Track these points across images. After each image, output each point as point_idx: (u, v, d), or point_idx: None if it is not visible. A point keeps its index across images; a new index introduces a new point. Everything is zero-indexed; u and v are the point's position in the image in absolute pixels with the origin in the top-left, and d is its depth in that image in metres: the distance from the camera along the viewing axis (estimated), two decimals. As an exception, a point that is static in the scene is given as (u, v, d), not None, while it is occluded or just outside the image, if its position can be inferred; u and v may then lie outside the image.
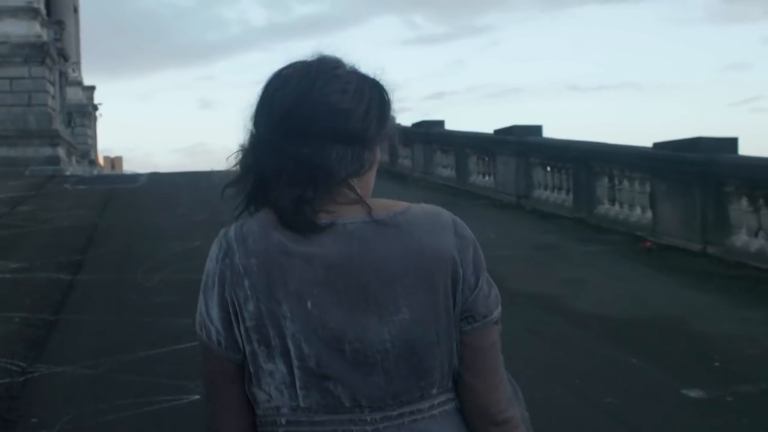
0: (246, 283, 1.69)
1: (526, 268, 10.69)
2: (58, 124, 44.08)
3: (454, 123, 30.02)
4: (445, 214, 1.82)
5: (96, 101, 73.15)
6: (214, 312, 1.74)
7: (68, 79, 55.90)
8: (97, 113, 73.66)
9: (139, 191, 21.07)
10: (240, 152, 1.78)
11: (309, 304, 1.67)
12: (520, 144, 16.89)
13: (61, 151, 42.85)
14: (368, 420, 1.70)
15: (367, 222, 1.72)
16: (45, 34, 44.32)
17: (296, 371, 1.69)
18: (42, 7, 44.08)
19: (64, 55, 51.02)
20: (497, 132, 18.21)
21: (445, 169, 21.70)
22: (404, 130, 25.24)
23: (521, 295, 9.30)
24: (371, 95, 1.77)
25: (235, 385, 1.77)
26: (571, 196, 15.21)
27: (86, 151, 61.84)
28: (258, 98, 1.78)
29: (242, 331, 1.72)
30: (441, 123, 23.32)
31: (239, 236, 1.74)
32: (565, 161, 15.38)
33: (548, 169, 16.10)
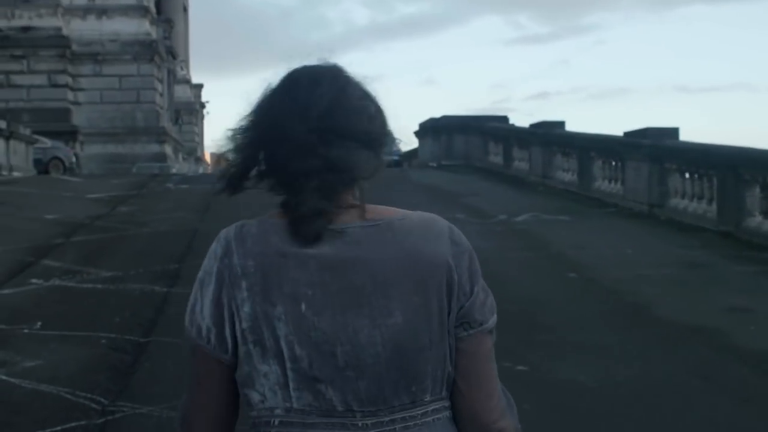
0: (243, 284, 1.70)
1: (675, 292, 9.28)
2: (166, 122, 44.13)
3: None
4: (441, 222, 1.84)
5: (203, 99, 73.75)
6: (207, 310, 1.74)
7: (176, 77, 56.21)
8: (205, 111, 74.30)
9: (244, 192, 20.15)
10: (245, 146, 1.80)
11: (303, 306, 1.67)
12: (655, 148, 15.38)
13: (167, 149, 42.85)
14: (359, 425, 1.69)
15: (364, 226, 1.74)
16: (154, 32, 44.52)
17: (290, 373, 1.68)
18: (152, 5, 44.21)
19: (172, 53, 51.20)
20: (628, 134, 16.73)
21: (565, 173, 20.28)
22: (521, 131, 23.90)
23: (678, 326, 7.94)
24: (378, 102, 1.81)
25: (218, 387, 1.76)
26: (714, 206, 13.67)
27: (193, 148, 62.26)
28: (282, 95, 1.78)
29: (238, 333, 1.72)
30: (562, 124, 21.90)
31: (239, 237, 1.77)
32: (707, 167, 13.84)
33: (686, 175, 14.57)
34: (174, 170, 40.27)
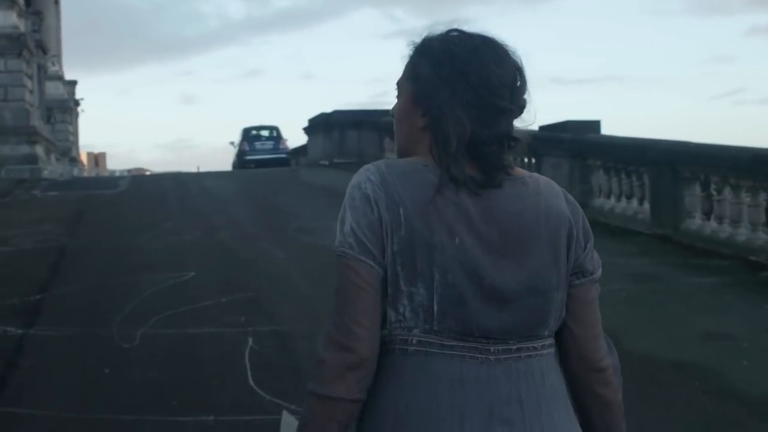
0: (401, 210, 1.83)
1: (636, 315, 7.92)
2: (36, 121, 41.27)
3: None
4: (557, 184, 2.00)
5: (77, 96, 70.46)
6: (368, 228, 1.85)
7: (48, 73, 53.06)
8: (79, 109, 70.93)
9: (120, 199, 18.22)
10: (436, 111, 1.91)
11: (457, 240, 1.82)
12: (576, 143, 14.11)
13: (39, 149, 40.07)
14: (491, 350, 1.85)
15: (507, 179, 1.90)
16: (22, 25, 41.60)
17: (437, 297, 1.83)
18: (19, -5, 41.53)
19: (43, 48, 48.17)
20: (544, 128, 15.41)
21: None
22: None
23: (658, 363, 6.56)
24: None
25: (379, 298, 1.85)
26: (647, 206, 12.45)
27: (67, 148, 59.03)
28: (462, 58, 1.91)
29: (388, 254, 1.84)
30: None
31: (392, 171, 1.88)
32: (638, 164, 12.61)
33: (613, 173, 13.33)
34: (46, 172, 37.88)
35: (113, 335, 7.59)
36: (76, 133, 67.44)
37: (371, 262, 1.85)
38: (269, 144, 35.09)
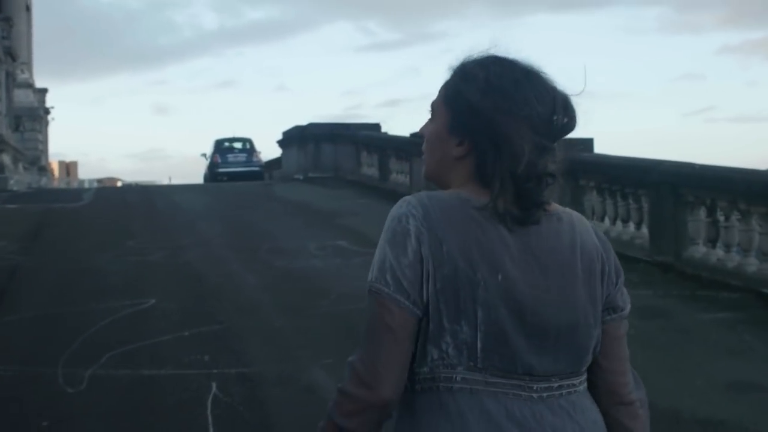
0: (444, 247, 1.81)
1: (646, 357, 7.05)
2: (3, 129, 40.22)
3: (408, 129, 26.74)
4: (586, 219, 2.01)
5: (48, 105, 69.20)
6: (408, 267, 1.81)
7: (17, 81, 51.97)
8: (50, 117, 69.66)
9: (82, 213, 17.18)
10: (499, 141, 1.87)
11: (500, 277, 1.81)
12: (568, 162, 13.25)
13: (6, 158, 38.97)
14: (534, 388, 1.83)
15: (544, 216, 1.89)
16: (-8, 33, 40.75)
17: (480, 334, 1.81)
18: (-14, 1, 40.59)
19: (12, 55, 47.10)
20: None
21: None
22: (400, 141, 21.68)
23: (677, 417, 5.72)
24: None
25: (409, 340, 1.83)
26: (645, 231, 11.63)
27: (36, 157, 57.77)
28: (507, 92, 1.88)
29: (430, 291, 1.81)
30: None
31: (434, 205, 1.85)
32: (636, 186, 11.80)
33: (607, 194, 12.51)
34: (12, 182, 36.85)
35: (57, 376, 6.65)
36: (45, 142, 66.12)
37: (407, 302, 1.82)
38: (242, 156, 34.05)
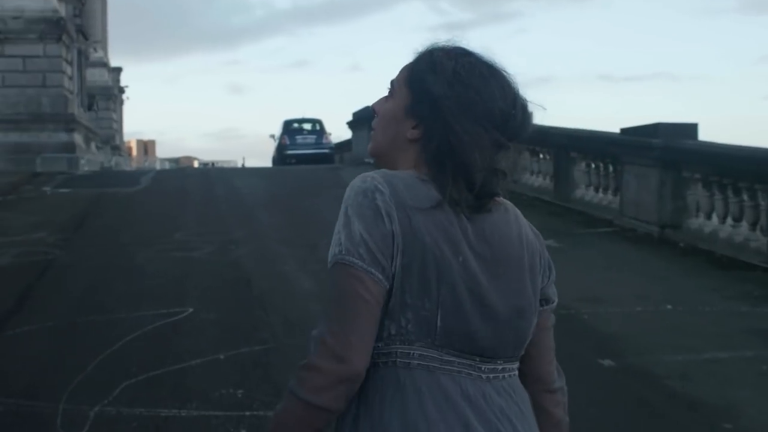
0: (412, 224, 1.80)
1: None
2: (75, 108, 39.61)
3: None
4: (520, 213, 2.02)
5: (122, 84, 69.13)
6: (381, 240, 1.79)
7: (89, 60, 51.55)
8: (124, 96, 69.65)
9: (134, 200, 16.12)
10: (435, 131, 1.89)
11: (461, 258, 1.83)
12: (669, 150, 11.72)
13: (77, 137, 38.40)
14: (483, 369, 1.87)
15: (495, 205, 1.92)
16: (62, 10, 40.07)
17: (441, 312, 1.82)
18: (60, -21, 40.17)
19: (83, 33, 46.53)
20: (627, 132, 13.05)
21: (536, 176, 16.59)
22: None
23: None
24: None
25: (380, 312, 1.81)
26: (758, 233, 10.06)
27: (110, 136, 57.62)
28: (472, 85, 1.88)
29: (397, 267, 1.81)
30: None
31: (399, 184, 1.83)
32: (753, 179, 10.20)
33: (716, 188, 10.93)
34: (83, 161, 36.52)
35: (57, 414, 5.43)
36: (120, 121, 66.00)
37: (380, 275, 1.80)
38: (311, 138, 32.79)
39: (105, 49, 63.52)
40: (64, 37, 38.42)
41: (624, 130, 13.17)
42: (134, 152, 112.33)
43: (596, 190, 14.27)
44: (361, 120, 27.04)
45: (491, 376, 1.88)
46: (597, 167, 14.32)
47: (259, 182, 19.35)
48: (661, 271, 10.02)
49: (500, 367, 1.90)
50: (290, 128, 33.26)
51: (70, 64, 40.68)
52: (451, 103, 1.87)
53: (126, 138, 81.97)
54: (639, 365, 6.50)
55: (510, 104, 1.89)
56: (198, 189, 17.69)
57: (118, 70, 68.17)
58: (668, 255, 10.97)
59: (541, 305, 2.00)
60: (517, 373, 1.96)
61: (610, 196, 13.76)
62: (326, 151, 32.15)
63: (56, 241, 11.52)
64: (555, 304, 2.06)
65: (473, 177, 1.84)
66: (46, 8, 38.22)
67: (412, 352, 1.83)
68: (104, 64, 62.00)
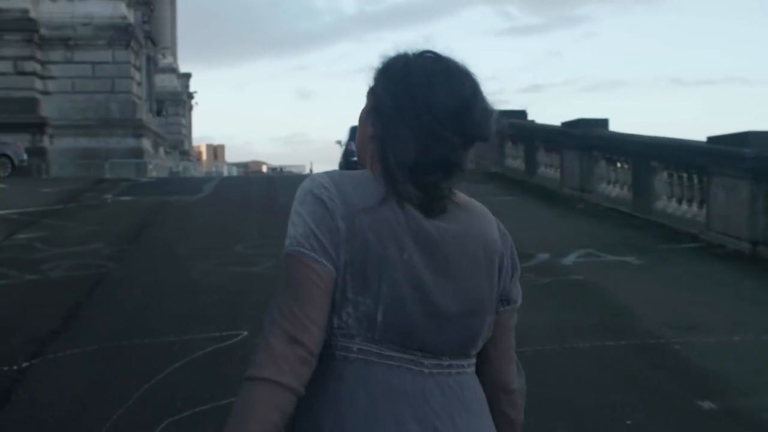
0: (356, 221, 1.83)
1: None
2: (144, 113, 39.78)
3: (553, 117, 24.34)
4: (490, 213, 2.03)
5: (191, 89, 69.50)
6: (328, 232, 1.83)
7: (158, 65, 51.86)
8: (193, 102, 70.03)
9: (196, 208, 15.67)
10: (379, 125, 1.92)
11: (406, 255, 1.84)
12: (763, 161, 10.85)
13: (146, 143, 38.54)
14: (425, 364, 1.88)
15: (450, 204, 1.91)
16: (131, 16, 40.42)
17: (381, 307, 1.84)
18: (130, -14, 40.48)
19: (152, 39, 46.81)
20: (715, 140, 12.19)
21: (613, 186, 15.76)
22: (550, 130, 19.40)
23: None
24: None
25: (329, 298, 1.83)
26: None
27: (179, 141, 58.08)
28: (414, 83, 1.89)
29: (342, 262, 1.83)
30: (604, 122, 17.34)
31: (345, 182, 1.87)
32: None
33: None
34: (151, 166, 36.77)
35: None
36: (189, 126, 66.47)
37: (330, 266, 1.84)
38: (378, 144, 32.20)
39: (174, 55, 63.99)
40: (132, 44, 38.61)
41: (711, 139, 12.31)
42: (204, 157, 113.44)
43: (679, 201, 13.43)
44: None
45: (435, 371, 1.90)
46: (680, 178, 13.46)
47: (324, 190, 18.79)
48: (756, 293, 9.19)
49: (446, 363, 1.91)
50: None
51: (139, 69, 40.88)
52: (389, 101, 1.91)
53: (195, 143, 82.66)
54: (745, 409, 5.73)
55: (462, 104, 1.88)
56: (261, 197, 17.19)
57: (188, 75, 68.68)
58: (763, 274, 10.11)
59: (503, 306, 2.01)
60: (471, 370, 1.97)
61: (695, 209, 12.91)
62: (393, 157, 31.54)
63: (111, 253, 11.06)
64: (518, 304, 2.06)
65: (416, 175, 1.86)
66: (115, 15, 38.51)
67: (351, 345, 1.86)
68: (173, 70, 62.49)
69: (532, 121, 22.76)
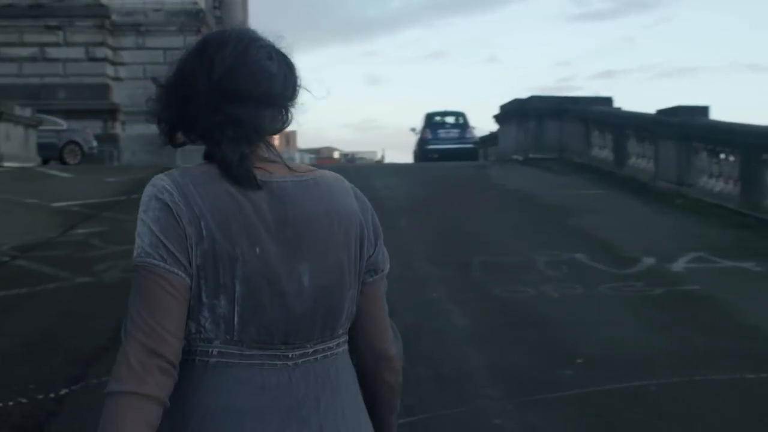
0: (202, 224, 1.80)
1: None
2: (214, 101, 39.45)
3: (627, 103, 23.01)
4: (345, 180, 1.99)
5: (263, 76, 69.31)
6: (176, 241, 1.80)
7: (229, 52, 51.56)
8: (265, 88, 69.90)
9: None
10: (167, 104, 1.89)
11: (257, 250, 1.81)
12: None
13: (216, 130, 38.21)
14: (289, 356, 1.85)
15: (296, 181, 1.89)
16: (202, 2, 40.04)
17: (237, 308, 1.81)
18: (200, -28, 40.06)
19: (223, 25, 46.46)
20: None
21: (716, 180, 14.42)
22: (643, 118, 18.08)
23: None
24: (286, 62, 1.94)
25: (185, 307, 1.81)
26: None
27: (251, 128, 57.69)
28: (194, 57, 1.89)
29: (193, 268, 1.81)
30: (704, 110, 15.99)
31: (188, 182, 1.83)
32: None
33: None
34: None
35: None
36: (261, 113, 65.97)
37: (183, 274, 1.79)
38: (454, 132, 30.95)
39: (246, 41, 63.65)
40: (203, 29, 38.09)
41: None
42: (276, 143, 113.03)
43: (796, 198, 12.10)
44: (508, 113, 25.21)
45: (300, 361, 1.87)
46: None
47: (399, 182, 17.75)
48: None
49: (311, 350, 1.88)
50: (432, 121, 31.53)
51: (210, 55, 40.52)
52: (187, 77, 1.87)
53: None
54: None
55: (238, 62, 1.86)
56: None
57: (259, 62, 68.46)
58: None
59: (371, 276, 1.97)
60: (342, 349, 1.94)
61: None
62: (470, 146, 30.33)
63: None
64: (385, 272, 2.02)
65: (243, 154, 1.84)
66: (186, 0, 38.10)
67: (210, 350, 1.83)
68: (245, 56, 62.19)
69: (619, 108, 21.45)
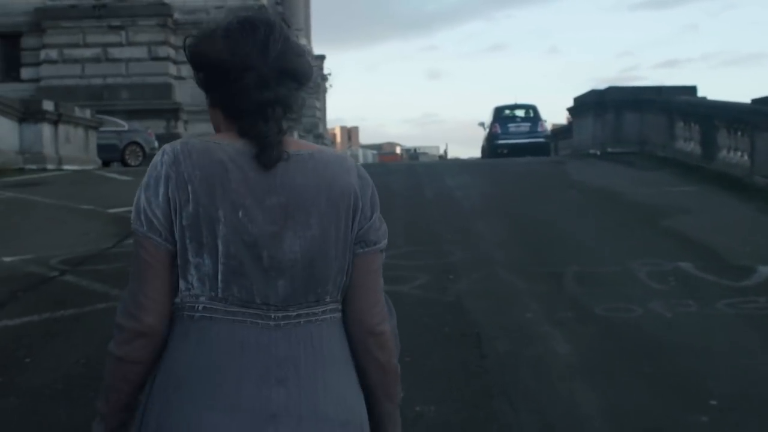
0: (189, 188, 1.93)
1: None
2: (276, 96, 39.03)
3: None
4: (350, 160, 2.09)
5: (325, 71, 68.47)
6: (159, 208, 1.95)
7: (292, 48, 50.99)
8: (327, 84, 69.01)
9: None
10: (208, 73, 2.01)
11: (240, 213, 1.92)
12: None
13: (275, 126, 37.79)
14: (272, 317, 1.94)
15: (292, 154, 1.98)
16: (264, -1, 39.66)
17: (221, 267, 1.93)
18: (260, -32, 39.63)
19: (286, 21, 45.31)
20: None
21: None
22: (737, 108, 16.80)
23: None
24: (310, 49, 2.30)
25: (167, 272, 1.96)
26: None
27: (313, 124, 56.97)
28: (242, 38, 1.97)
29: (177, 229, 1.94)
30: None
31: (185, 151, 1.96)
32: None
33: None
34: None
35: None
36: (323, 109, 65.45)
37: (158, 239, 1.94)
38: (525, 126, 29.78)
39: (308, 37, 63.01)
40: (265, 25, 37.69)
41: None
42: (338, 139, 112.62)
43: None
44: (584, 105, 24.00)
45: (282, 323, 1.94)
46: None
47: (472, 180, 16.71)
48: None
49: (294, 314, 1.95)
50: (502, 115, 30.38)
51: (273, 51, 40.03)
52: (215, 56, 1.99)
53: (329, 125, 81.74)
54: None
55: (265, 50, 1.95)
56: (405, 190, 15.19)
57: (321, 58, 67.55)
58: None
59: (362, 247, 2.02)
60: (329, 317, 1.99)
61: None
62: (541, 140, 29.17)
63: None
64: (381, 245, 2.06)
65: (243, 125, 1.96)
66: (248, -2, 37.61)
67: (197, 305, 1.95)
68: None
69: (705, 98, 20.16)
